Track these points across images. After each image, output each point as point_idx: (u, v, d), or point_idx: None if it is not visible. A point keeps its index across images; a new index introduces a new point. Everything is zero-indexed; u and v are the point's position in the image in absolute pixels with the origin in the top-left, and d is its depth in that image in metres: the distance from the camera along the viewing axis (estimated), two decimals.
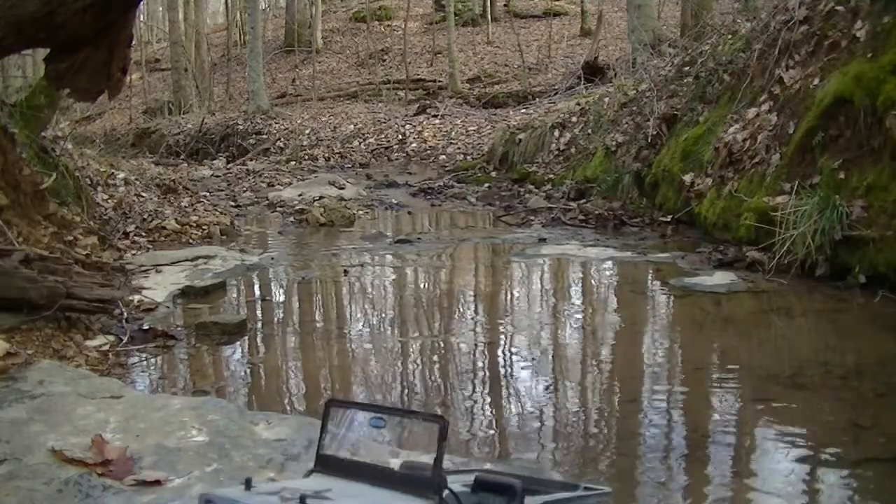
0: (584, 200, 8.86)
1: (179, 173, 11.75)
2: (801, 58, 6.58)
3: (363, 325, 5.04)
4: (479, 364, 4.16)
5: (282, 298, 5.79)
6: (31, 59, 15.19)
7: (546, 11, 24.86)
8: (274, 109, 19.05)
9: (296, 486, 1.61)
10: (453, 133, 15.41)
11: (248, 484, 1.58)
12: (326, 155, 15.58)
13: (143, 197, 8.57)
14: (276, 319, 5.12)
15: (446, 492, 1.59)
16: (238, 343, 4.49)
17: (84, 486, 2.41)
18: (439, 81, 20.70)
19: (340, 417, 1.77)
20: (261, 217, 9.58)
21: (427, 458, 1.72)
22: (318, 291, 5.93)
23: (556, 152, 11.05)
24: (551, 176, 10.49)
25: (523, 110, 15.58)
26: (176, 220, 7.86)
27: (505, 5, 26.20)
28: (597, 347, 4.46)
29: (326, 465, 1.71)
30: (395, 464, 1.71)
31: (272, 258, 6.81)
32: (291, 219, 9.09)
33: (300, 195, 10.24)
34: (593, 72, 15.27)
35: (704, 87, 8.14)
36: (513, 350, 4.38)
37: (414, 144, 15.44)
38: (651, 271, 6.02)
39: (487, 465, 2.69)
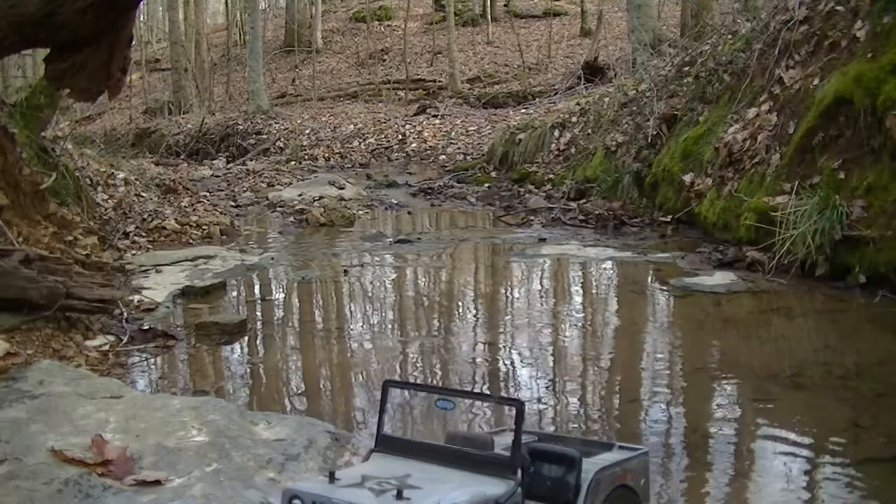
0: (584, 200, 8.85)
1: (179, 173, 11.75)
2: (801, 58, 6.58)
3: (363, 325, 5.04)
4: (479, 363, 4.16)
5: (282, 298, 5.79)
6: (31, 59, 15.17)
7: (546, 11, 24.85)
8: (274, 109, 19.04)
9: (374, 472, 1.58)
10: (453, 133, 15.41)
11: (331, 477, 1.57)
12: (326, 155, 15.57)
13: (143, 197, 8.57)
14: (276, 319, 5.12)
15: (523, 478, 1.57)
16: (238, 343, 4.49)
17: (84, 486, 2.41)
18: (439, 81, 20.69)
19: (399, 398, 1.78)
20: (261, 217, 9.58)
21: (484, 437, 1.70)
22: (318, 291, 5.93)
23: (556, 152, 11.04)
24: (551, 176, 10.49)
25: (523, 110, 15.57)
26: (176, 220, 7.86)
27: (505, 5, 26.19)
28: (597, 347, 4.46)
29: (387, 445, 1.70)
30: (468, 447, 1.68)
31: (272, 258, 6.81)
32: (291, 219, 9.09)
33: (300, 195, 10.24)
34: (593, 72, 15.27)
35: (704, 87, 8.13)
36: (513, 350, 4.38)
37: (414, 144, 15.43)
38: (651, 271, 6.02)
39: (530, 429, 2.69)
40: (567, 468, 1.70)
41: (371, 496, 1.48)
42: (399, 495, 1.44)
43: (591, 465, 1.75)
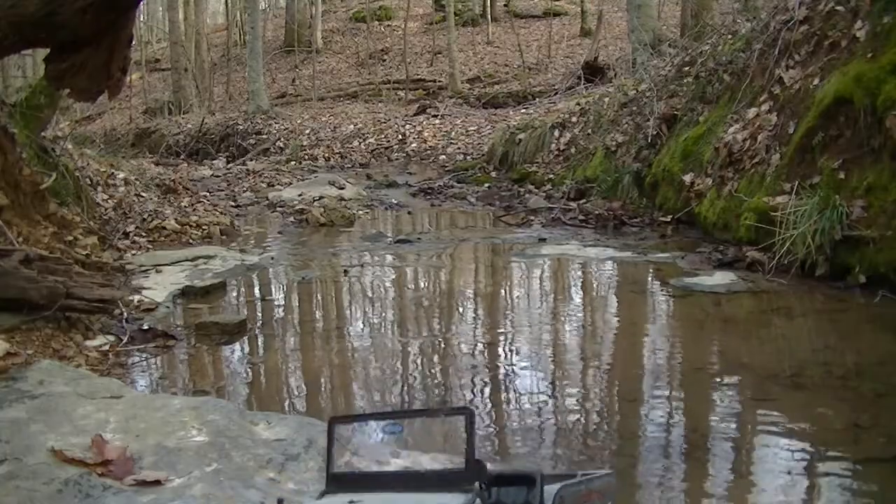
0: (584, 200, 8.85)
1: (179, 173, 11.75)
2: (801, 58, 6.58)
3: (363, 325, 5.04)
4: (480, 364, 4.16)
5: (282, 298, 5.79)
6: (31, 59, 15.18)
7: (546, 11, 24.87)
8: (274, 109, 19.05)
9: None
10: (453, 133, 15.42)
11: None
12: (326, 155, 15.58)
13: (143, 197, 8.57)
14: (276, 319, 5.12)
15: (491, 488, 1.52)
16: (238, 343, 4.49)
17: (84, 486, 2.41)
18: (439, 81, 20.70)
19: (347, 433, 1.70)
20: (261, 217, 9.58)
21: (453, 452, 1.66)
22: (318, 291, 5.93)
23: (556, 152, 11.04)
24: (551, 176, 10.49)
25: (523, 110, 15.58)
26: (176, 220, 7.86)
27: (505, 5, 26.20)
28: (597, 347, 4.46)
29: (339, 483, 1.63)
30: (420, 466, 1.63)
31: (272, 258, 6.81)
32: (291, 219, 9.09)
33: (300, 195, 10.24)
34: (593, 72, 15.28)
35: (704, 87, 8.14)
36: (513, 350, 4.38)
37: (414, 144, 15.44)
38: (651, 271, 6.02)
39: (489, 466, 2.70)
40: (528, 488, 1.68)
41: None
42: None
43: (555, 486, 1.74)
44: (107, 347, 4.24)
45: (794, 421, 3.23)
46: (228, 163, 15.39)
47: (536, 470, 1.68)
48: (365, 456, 1.72)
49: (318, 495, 1.65)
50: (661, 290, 5.53)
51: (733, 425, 3.24)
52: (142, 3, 6.67)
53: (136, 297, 5.12)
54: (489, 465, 1.89)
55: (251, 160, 15.48)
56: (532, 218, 8.47)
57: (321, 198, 9.90)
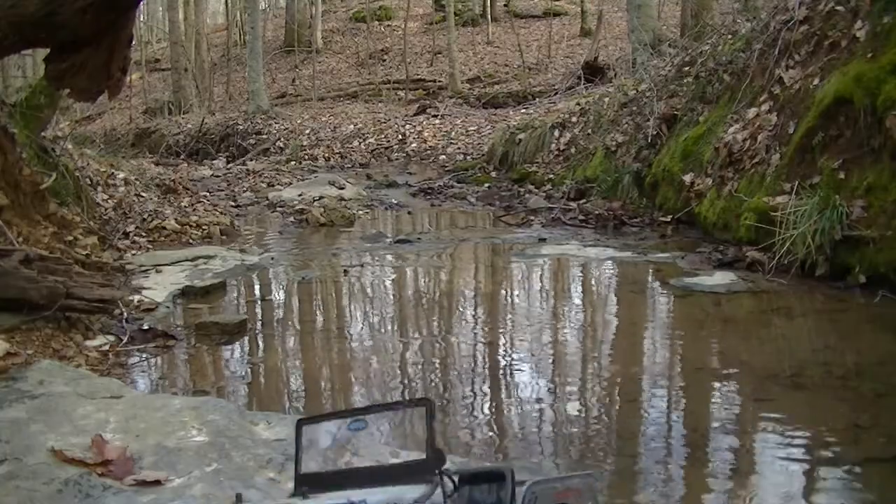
0: (584, 200, 8.85)
1: (179, 173, 11.75)
2: (801, 58, 6.58)
3: (363, 325, 5.04)
4: (480, 364, 4.16)
5: (282, 298, 5.79)
6: (31, 59, 15.18)
7: (546, 11, 24.86)
8: (274, 109, 19.04)
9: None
10: (453, 133, 15.41)
11: (238, 499, 1.55)
12: (326, 155, 15.57)
13: (143, 197, 8.57)
14: (276, 319, 5.12)
15: (450, 476, 1.53)
16: (238, 343, 4.49)
17: (84, 486, 2.41)
18: (439, 81, 20.69)
19: (314, 434, 1.72)
20: (261, 217, 9.58)
21: (418, 447, 1.69)
22: (318, 291, 5.93)
23: (556, 152, 11.04)
24: (551, 176, 10.49)
25: (523, 110, 15.57)
26: (176, 220, 7.86)
27: (505, 5, 26.19)
28: (597, 347, 4.46)
29: (308, 483, 1.64)
30: (390, 461, 1.67)
31: (272, 258, 6.81)
32: (291, 219, 9.09)
33: (300, 195, 10.24)
34: (593, 72, 15.27)
35: (704, 87, 8.13)
36: (513, 350, 4.38)
37: (414, 144, 15.43)
38: (651, 271, 6.02)
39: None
40: (499, 485, 1.69)
41: None
42: None
43: (527, 482, 1.75)
44: (107, 347, 4.24)
45: (794, 421, 3.23)
46: (228, 163, 15.39)
47: (507, 467, 1.70)
48: (333, 454, 1.73)
49: (287, 496, 1.66)
50: (661, 290, 5.53)
51: (733, 425, 3.24)
52: (142, 3, 6.67)
53: (136, 297, 5.12)
54: (453, 465, 1.89)
55: (251, 160, 15.48)
56: (532, 218, 8.47)
57: (321, 198, 9.90)
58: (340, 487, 1.59)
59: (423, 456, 1.53)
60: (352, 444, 1.79)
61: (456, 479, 1.69)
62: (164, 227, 7.60)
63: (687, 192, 7.19)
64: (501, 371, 4.07)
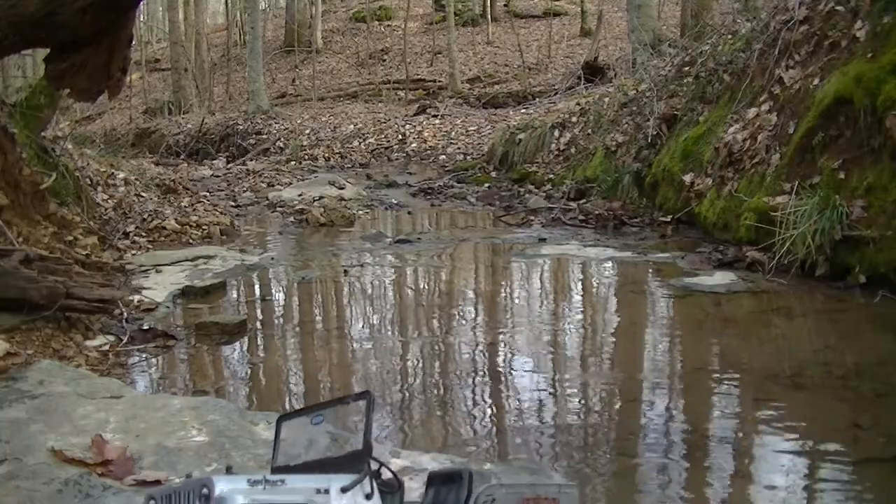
0: (584, 200, 8.85)
1: (179, 173, 11.75)
2: (801, 58, 6.58)
3: (363, 325, 5.04)
4: (479, 364, 4.16)
5: (282, 298, 5.79)
6: (31, 59, 15.18)
7: (546, 11, 24.85)
8: (274, 109, 19.04)
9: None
10: (453, 133, 15.41)
11: (228, 471, 1.63)
12: (326, 155, 15.57)
13: (143, 197, 8.57)
14: (276, 319, 5.12)
15: (369, 463, 1.62)
16: (238, 343, 4.49)
17: (84, 486, 2.41)
18: (439, 81, 20.69)
19: (289, 429, 1.81)
20: (261, 217, 9.58)
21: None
22: (318, 291, 5.93)
23: (556, 152, 11.04)
24: (551, 176, 10.49)
25: (523, 110, 15.57)
26: (176, 220, 7.86)
27: (505, 5, 26.19)
28: (597, 347, 4.46)
29: (281, 474, 1.71)
30: (334, 453, 1.75)
31: (272, 258, 6.81)
32: (291, 219, 9.09)
33: (300, 195, 10.24)
34: (593, 72, 15.27)
35: (704, 87, 8.13)
36: (513, 350, 4.38)
37: (414, 144, 15.43)
38: (651, 271, 6.02)
39: (487, 466, 2.70)
40: (458, 486, 1.74)
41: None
42: (227, 470, 1.56)
43: (487, 485, 1.78)
44: (107, 347, 4.24)
45: (794, 421, 3.23)
46: (228, 163, 15.39)
47: (466, 469, 1.76)
48: (300, 449, 1.82)
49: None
50: (661, 290, 5.52)
51: (733, 425, 3.24)
52: (142, 3, 6.67)
53: (136, 297, 5.12)
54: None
55: (251, 160, 15.48)
56: (532, 218, 8.47)
57: (321, 198, 9.90)
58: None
59: (359, 447, 1.64)
60: (315, 438, 1.86)
61: (424, 478, 1.77)
62: (164, 227, 7.59)
63: (687, 192, 7.19)
64: (501, 371, 4.07)
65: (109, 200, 7.83)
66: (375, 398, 1.69)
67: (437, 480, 1.81)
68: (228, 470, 1.63)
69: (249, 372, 4.12)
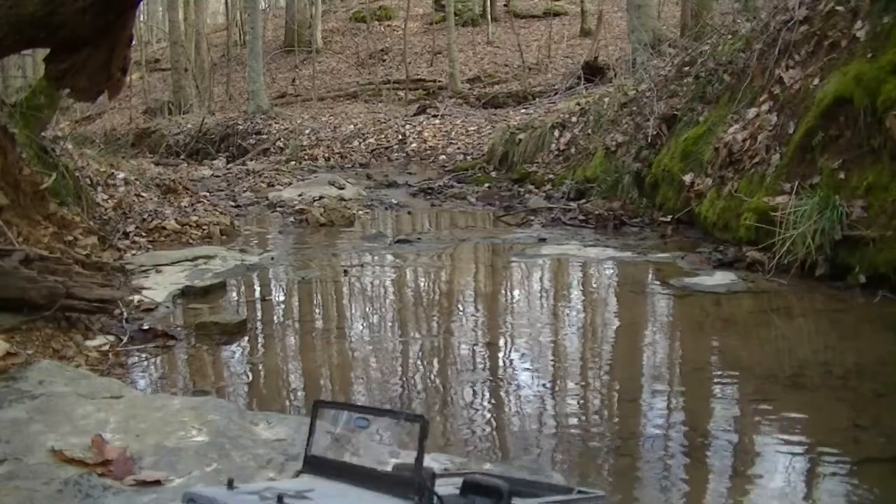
0: (584, 200, 8.85)
1: (179, 173, 11.75)
2: (801, 58, 6.58)
3: (363, 325, 5.04)
4: (479, 364, 4.16)
5: (282, 298, 5.79)
6: (31, 59, 15.20)
7: (546, 11, 24.84)
8: (274, 109, 19.04)
9: (279, 486, 1.61)
10: (453, 133, 15.41)
11: (230, 484, 1.59)
12: (326, 155, 15.57)
13: (143, 197, 8.57)
14: (276, 319, 5.12)
15: (434, 496, 1.57)
16: (238, 343, 4.49)
17: (84, 486, 2.41)
18: (439, 81, 20.69)
19: (328, 418, 1.78)
20: (261, 217, 9.58)
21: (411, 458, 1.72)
22: (318, 291, 5.93)
23: (556, 152, 11.04)
24: (551, 176, 10.49)
25: (523, 110, 15.57)
26: (176, 220, 7.86)
27: (505, 5, 26.18)
28: (597, 347, 4.46)
29: (314, 465, 1.71)
30: (387, 465, 1.72)
31: (272, 258, 6.81)
32: (291, 219, 9.09)
33: (300, 195, 10.23)
34: (593, 72, 15.26)
35: (704, 87, 8.13)
36: (513, 350, 4.38)
37: (414, 144, 15.43)
38: (651, 271, 6.02)
39: (487, 466, 2.70)
40: (496, 501, 1.72)
41: (256, 501, 1.50)
42: (279, 501, 1.47)
43: (527, 502, 1.77)
44: (107, 347, 4.24)
45: (794, 421, 3.23)
46: (228, 163, 15.38)
47: (505, 484, 1.73)
48: (337, 443, 1.79)
49: (294, 474, 1.75)
50: (661, 291, 5.52)
51: (733, 425, 3.24)
52: (142, 3, 6.67)
53: (136, 297, 5.12)
54: (488, 466, 1.90)
55: (251, 160, 15.48)
56: (532, 218, 8.47)
57: (321, 198, 9.90)
58: (337, 478, 1.65)
59: (412, 472, 1.58)
60: (354, 439, 1.84)
61: (459, 484, 1.73)
62: (164, 227, 7.59)
63: (687, 192, 7.19)
64: (501, 371, 4.07)
65: (109, 200, 7.83)
66: (429, 424, 1.63)
67: (471, 489, 1.78)
68: (230, 484, 1.60)
69: (249, 372, 4.12)
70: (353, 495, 1.58)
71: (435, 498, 1.58)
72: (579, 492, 1.97)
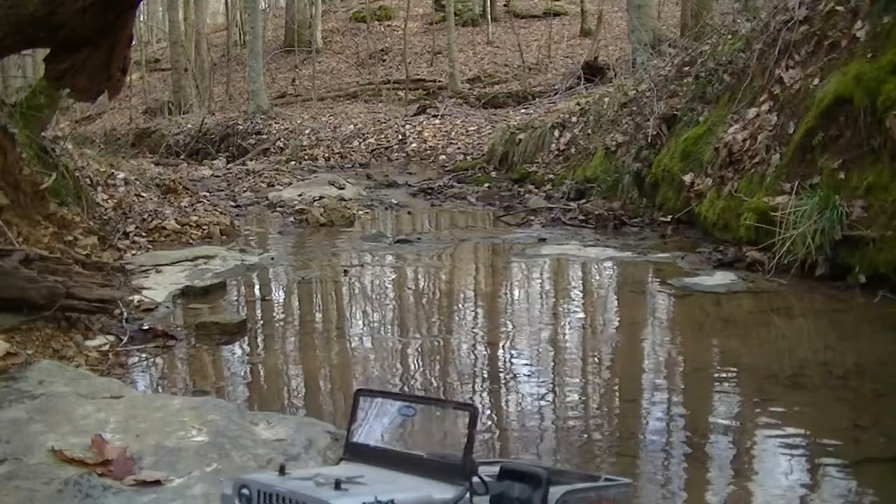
0: (584, 200, 8.85)
1: (179, 173, 11.74)
2: (801, 58, 6.58)
3: (363, 325, 5.04)
4: (480, 364, 4.16)
5: (282, 298, 5.79)
6: (31, 59, 15.19)
7: (546, 11, 24.83)
8: (274, 109, 19.03)
9: (329, 472, 1.64)
10: (453, 133, 15.40)
11: (282, 470, 1.61)
12: (326, 155, 15.56)
13: (143, 197, 8.57)
14: (276, 319, 5.12)
15: (476, 478, 1.60)
16: (238, 343, 4.49)
17: (84, 486, 2.41)
18: (439, 81, 20.68)
19: (369, 406, 1.79)
20: (261, 217, 9.58)
21: (456, 447, 1.74)
22: (318, 291, 5.93)
23: (556, 152, 11.04)
24: (551, 176, 10.48)
25: (523, 110, 15.56)
26: (176, 220, 7.86)
27: (505, 5, 26.17)
28: (597, 347, 4.46)
29: (355, 452, 1.74)
30: (424, 452, 1.74)
31: (272, 258, 6.81)
32: (291, 219, 9.09)
33: (300, 195, 10.23)
34: (593, 72, 15.26)
35: (704, 87, 8.13)
36: (513, 350, 4.38)
37: (414, 144, 15.43)
38: (651, 271, 6.02)
39: (512, 457, 2.71)
40: (534, 487, 1.73)
41: (312, 486, 1.53)
42: (337, 486, 1.49)
43: (561, 489, 1.78)
44: (107, 347, 4.24)
45: (794, 421, 3.23)
46: (228, 163, 15.38)
47: (543, 471, 1.74)
48: (379, 431, 1.81)
49: (336, 461, 1.78)
50: (661, 291, 5.52)
51: (733, 425, 3.24)
52: (142, 3, 6.67)
53: (136, 297, 5.12)
54: (512, 457, 1.89)
55: (251, 160, 15.48)
56: (532, 218, 8.47)
57: (321, 198, 9.89)
58: (379, 465, 1.68)
59: (458, 460, 1.60)
60: (399, 427, 1.86)
61: (495, 471, 1.74)
62: (164, 227, 7.59)
63: (687, 192, 7.19)
64: (501, 370, 4.07)
65: (109, 200, 7.83)
66: (479, 412, 1.65)
67: (508, 475, 1.80)
68: (282, 470, 1.61)
69: (249, 372, 4.12)
70: (402, 480, 1.61)
71: (482, 485, 1.60)
72: (606, 479, 1.99)
